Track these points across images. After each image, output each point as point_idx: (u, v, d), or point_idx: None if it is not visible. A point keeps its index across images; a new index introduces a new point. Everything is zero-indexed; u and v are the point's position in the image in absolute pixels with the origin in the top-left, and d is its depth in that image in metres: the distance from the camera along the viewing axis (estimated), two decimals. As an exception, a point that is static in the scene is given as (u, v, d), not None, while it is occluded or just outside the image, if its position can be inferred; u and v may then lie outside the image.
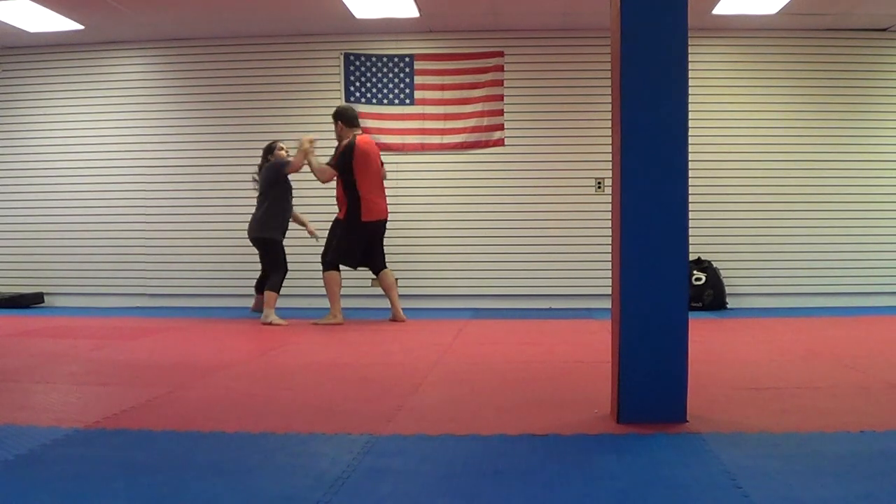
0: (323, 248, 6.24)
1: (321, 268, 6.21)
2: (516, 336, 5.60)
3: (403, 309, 6.41)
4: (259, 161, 6.59)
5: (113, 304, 7.65)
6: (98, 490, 2.26)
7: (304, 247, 7.30)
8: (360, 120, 7.48)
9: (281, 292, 6.38)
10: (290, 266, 6.44)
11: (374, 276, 6.50)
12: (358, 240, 6.15)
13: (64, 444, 2.72)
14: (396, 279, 7.03)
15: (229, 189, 7.45)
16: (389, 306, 6.36)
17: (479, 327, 6.12)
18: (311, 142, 6.15)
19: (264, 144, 6.68)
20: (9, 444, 2.68)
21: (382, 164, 6.40)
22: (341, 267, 6.21)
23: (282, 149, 6.47)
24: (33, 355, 4.68)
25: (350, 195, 6.07)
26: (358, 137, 6.15)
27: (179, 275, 7.68)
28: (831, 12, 6.82)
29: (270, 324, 6.14)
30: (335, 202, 6.32)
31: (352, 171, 6.03)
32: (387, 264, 6.34)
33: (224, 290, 7.37)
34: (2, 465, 2.44)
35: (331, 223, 6.33)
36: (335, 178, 6.14)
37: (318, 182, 6.26)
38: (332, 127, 6.31)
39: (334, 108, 6.39)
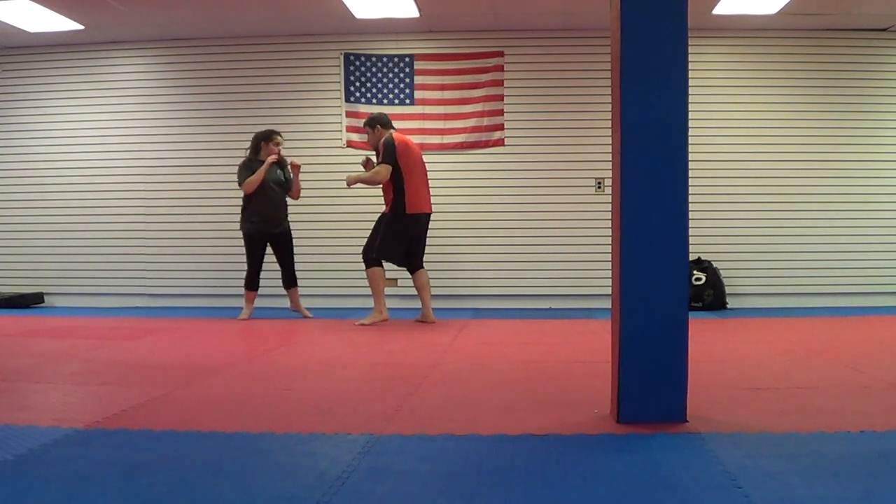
0: (365, 245, 6.15)
1: (363, 265, 6.12)
2: (516, 336, 5.60)
3: (403, 308, 6.41)
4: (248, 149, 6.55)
5: (113, 304, 7.65)
6: (98, 490, 2.26)
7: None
8: (360, 120, 7.50)
9: (301, 291, 6.56)
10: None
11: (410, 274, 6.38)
12: (403, 233, 6.07)
13: (64, 444, 2.72)
14: (397, 279, 7.04)
15: (229, 189, 7.43)
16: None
17: (479, 327, 6.12)
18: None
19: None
20: (9, 444, 2.68)
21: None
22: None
23: (278, 143, 6.45)
24: (33, 355, 4.68)
25: (396, 188, 6.01)
26: (394, 133, 6.13)
27: (179, 275, 7.68)
28: (831, 12, 6.82)
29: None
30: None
31: (397, 164, 5.99)
32: (424, 264, 6.26)
33: (224, 289, 7.36)
34: (2, 465, 2.44)
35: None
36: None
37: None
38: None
39: (368, 117, 6.35)
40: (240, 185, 6.39)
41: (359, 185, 6.21)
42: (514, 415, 3.14)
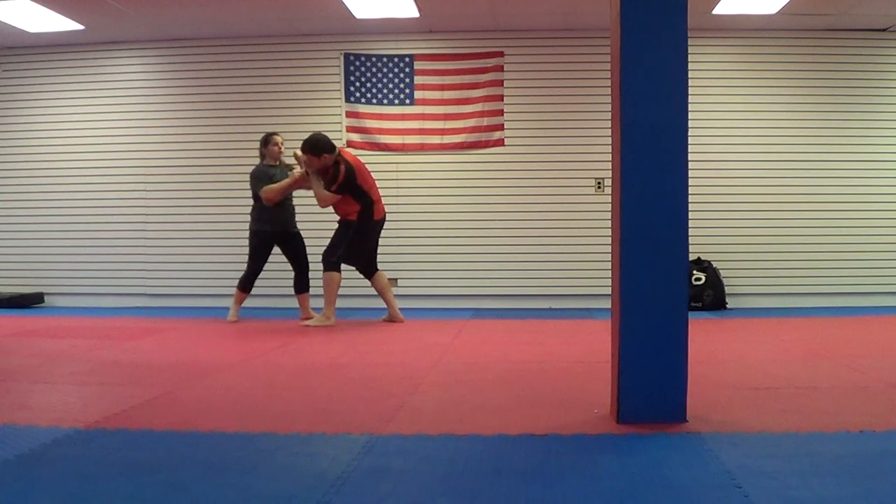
0: (325, 249, 6.13)
1: (321, 267, 6.12)
2: (516, 336, 5.60)
3: (403, 309, 6.41)
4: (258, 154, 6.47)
5: (113, 304, 7.65)
6: (98, 490, 2.26)
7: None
8: (360, 120, 7.51)
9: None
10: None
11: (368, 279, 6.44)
12: (370, 239, 6.13)
13: (64, 444, 2.72)
14: (396, 279, 7.04)
15: (229, 189, 7.45)
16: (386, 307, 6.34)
17: (479, 327, 6.12)
18: (306, 172, 6.01)
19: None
20: (9, 444, 2.68)
21: None
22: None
23: (276, 144, 6.36)
24: (33, 355, 4.68)
25: (363, 202, 6.02)
26: (347, 157, 6.03)
27: (179, 275, 7.68)
28: (831, 12, 6.81)
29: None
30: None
31: (358, 187, 5.99)
32: (378, 266, 6.29)
33: (224, 290, 7.35)
34: (2, 465, 2.44)
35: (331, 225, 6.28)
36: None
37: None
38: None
39: (304, 142, 5.92)
40: (256, 192, 6.24)
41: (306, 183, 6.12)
42: (514, 415, 3.14)
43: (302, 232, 6.53)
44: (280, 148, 6.41)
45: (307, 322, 6.14)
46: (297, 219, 6.54)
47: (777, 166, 7.32)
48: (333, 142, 6.06)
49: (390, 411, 3.18)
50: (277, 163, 6.40)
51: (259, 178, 6.29)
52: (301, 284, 6.50)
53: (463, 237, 7.48)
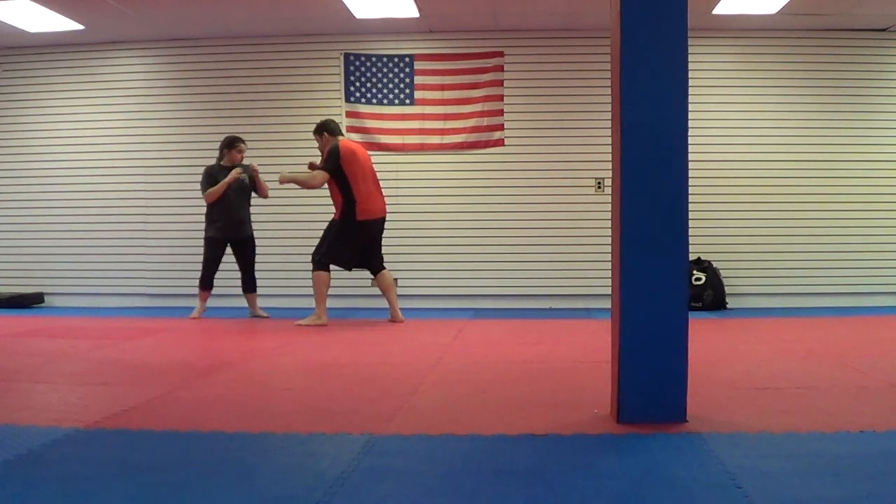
0: (315, 248, 6.15)
1: (311, 266, 6.13)
2: (516, 336, 5.60)
3: (403, 309, 6.41)
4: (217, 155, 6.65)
5: (113, 304, 7.64)
6: (98, 490, 2.26)
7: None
8: (360, 120, 7.51)
9: (260, 292, 6.78)
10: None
11: (373, 276, 6.49)
12: (354, 240, 6.08)
13: (64, 444, 2.72)
14: (396, 279, 7.05)
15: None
16: (388, 307, 6.36)
17: (479, 327, 6.12)
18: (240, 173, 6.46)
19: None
20: (9, 444, 2.68)
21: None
22: (332, 266, 6.15)
23: (241, 151, 6.55)
24: (33, 355, 4.68)
25: (345, 196, 6.04)
26: (341, 140, 6.14)
27: (179, 275, 7.67)
28: (831, 12, 6.82)
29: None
30: (331, 203, 6.29)
31: (342, 172, 6.01)
32: (385, 265, 6.31)
33: (223, 289, 7.35)
34: (2, 465, 2.44)
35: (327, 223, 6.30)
36: (328, 180, 6.06)
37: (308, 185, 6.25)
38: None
39: (315, 125, 6.29)
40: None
41: (292, 184, 6.28)
42: (514, 415, 3.14)
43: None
44: (242, 156, 6.61)
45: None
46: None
47: (777, 166, 7.32)
48: (339, 133, 6.27)
49: (390, 411, 3.18)
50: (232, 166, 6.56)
51: (211, 177, 6.48)
52: (249, 285, 6.77)
53: (463, 237, 7.48)
